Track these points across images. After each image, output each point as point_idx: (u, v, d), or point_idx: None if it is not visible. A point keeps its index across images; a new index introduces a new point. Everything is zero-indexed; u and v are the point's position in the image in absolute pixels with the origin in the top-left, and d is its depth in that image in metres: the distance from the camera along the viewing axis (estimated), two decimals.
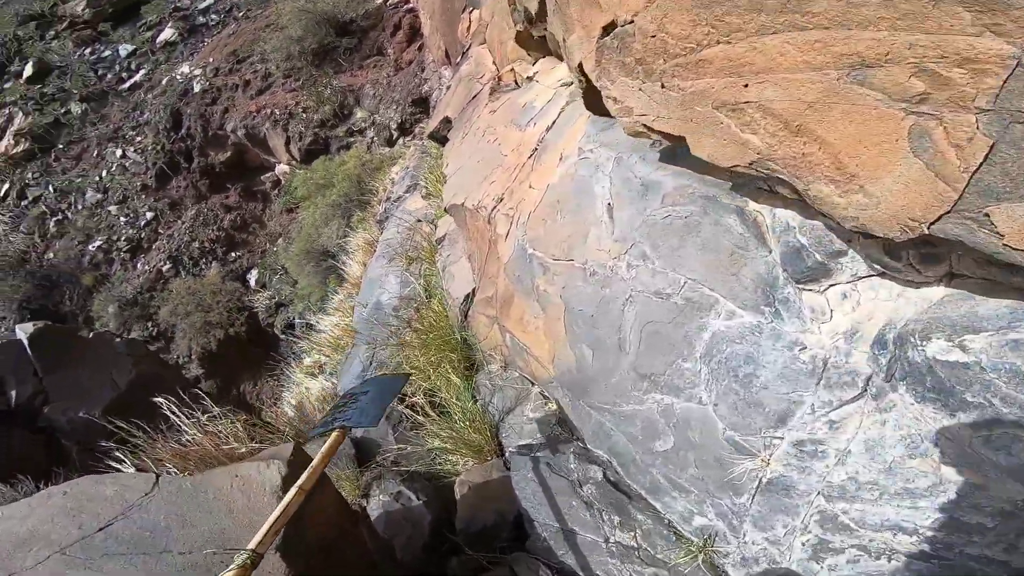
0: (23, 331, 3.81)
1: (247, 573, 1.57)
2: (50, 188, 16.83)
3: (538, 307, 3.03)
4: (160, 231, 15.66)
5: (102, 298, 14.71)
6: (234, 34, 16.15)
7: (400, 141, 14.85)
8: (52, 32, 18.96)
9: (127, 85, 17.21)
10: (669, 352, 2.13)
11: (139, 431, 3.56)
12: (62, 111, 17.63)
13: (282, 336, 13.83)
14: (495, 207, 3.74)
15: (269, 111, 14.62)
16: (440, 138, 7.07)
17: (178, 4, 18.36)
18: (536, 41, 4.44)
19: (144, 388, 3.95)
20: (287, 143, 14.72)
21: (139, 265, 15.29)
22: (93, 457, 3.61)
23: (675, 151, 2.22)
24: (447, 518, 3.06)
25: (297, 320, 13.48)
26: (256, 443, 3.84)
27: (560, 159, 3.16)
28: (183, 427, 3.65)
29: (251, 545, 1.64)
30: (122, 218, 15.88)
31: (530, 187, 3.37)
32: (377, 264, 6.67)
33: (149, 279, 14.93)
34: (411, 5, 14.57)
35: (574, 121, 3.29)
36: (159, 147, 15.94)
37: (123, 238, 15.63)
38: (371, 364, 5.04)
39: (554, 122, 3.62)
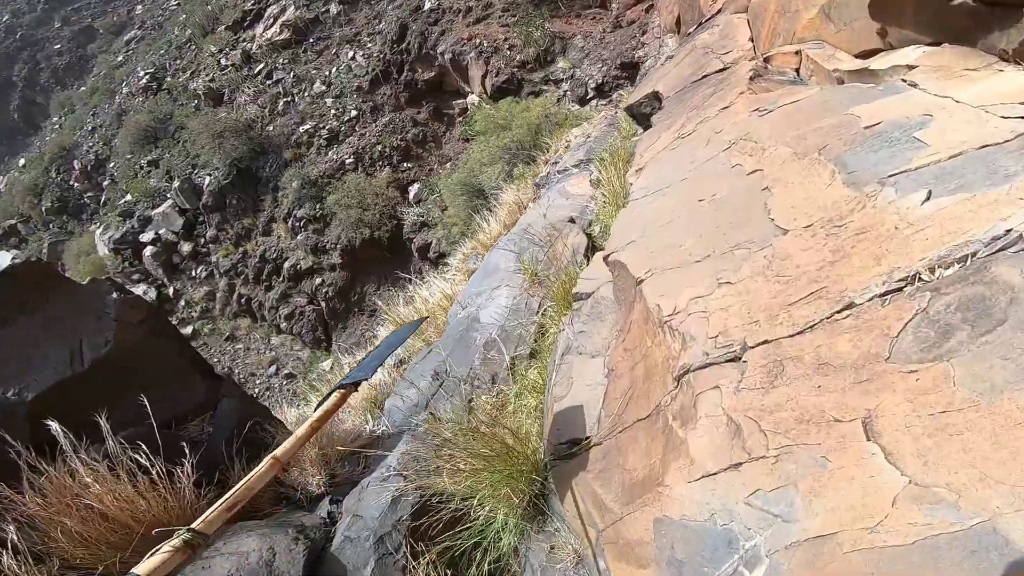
0: (2, 261, 2.21)
1: (186, 555, 1.27)
2: (291, 74, 17.71)
3: None
4: (356, 129, 15.63)
5: (291, 173, 15.14)
6: None
7: (593, 103, 12.85)
8: None
9: None
10: None
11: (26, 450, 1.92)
12: (323, 9, 18.29)
13: (415, 255, 12.93)
14: (712, 358, 1.66)
15: (478, 41, 13.42)
16: (639, 115, 5.30)
17: None
18: (941, 11, 2.21)
19: (119, 370, 2.59)
20: (484, 76, 13.47)
21: (330, 153, 15.45)
22: None
23: None
24: None
25: (433, 247, 12.42)
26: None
27: None
28: (78, 466, 1.97)
29: (195, 524, 1.35)
30: (332, 111, 16.14)
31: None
32: (503, 249, 4.76)
33: (332, 167, 15.00)
34: None
35: None
36: (382, 56, 15.69)
37: (327, 127, 15.88)
38: (439, 388, 3.51)
39: None
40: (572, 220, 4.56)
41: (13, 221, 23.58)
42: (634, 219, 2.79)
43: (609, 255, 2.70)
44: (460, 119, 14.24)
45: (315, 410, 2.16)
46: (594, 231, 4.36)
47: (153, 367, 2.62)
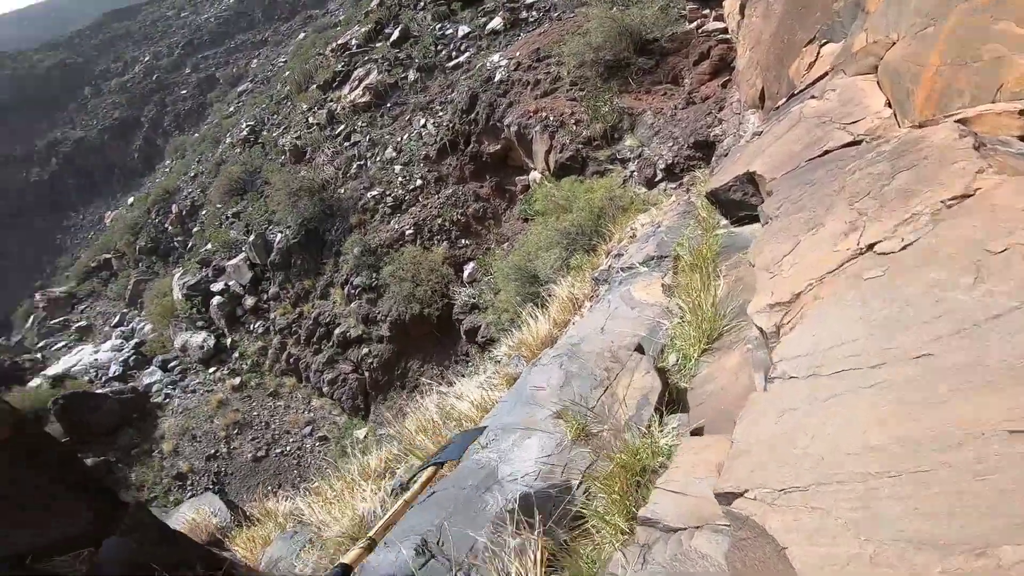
0: None
1: (366, 555, 1.79)
2: (368, 138, 17.93)
3: None
4: (420, 199, 15.33)
5: (354, 239, 14.99)
6: (543, 33, 14.71)
7: (661, 186, 11.74)
8: (422, 3, 20.18)
9: (452, 64, 17.29)
10: None
11: None
12: (402, 75, 18.58)
13: (463, 338, 12.14)
14: None
15: (544, 115, 12.77)
16: (728, 202, 4.28)
17: None
18: None
19: None
20: (548, 151, 12.74)
21: (392, 222, 15.21)
22: None
23: None
24: None
25: (481, 331, 11.59)
26: None
27: None
28: None
29: (370, 534, 1.87)
30: (400, 178, 16.01)
31: None
32: (546, 367, 3.58)
33: (392, 237, 14.69)
34: (728, 36, 11.04)
35: None
36: (452, 125, 15.49)
37: (392, 195, 15.73)
38: (423, 567, 2.53)
39: None
40: (640, 349, 3.33)
41: (108, 255, 25.50)
42: (793, 429, 1.47)
43: (734, 496, 1.44)
44: (521, 196, 13.54)
45: (402, 481, 2.69)
46: (668, 362, 3.25)
47: (9, 493, 2.05)
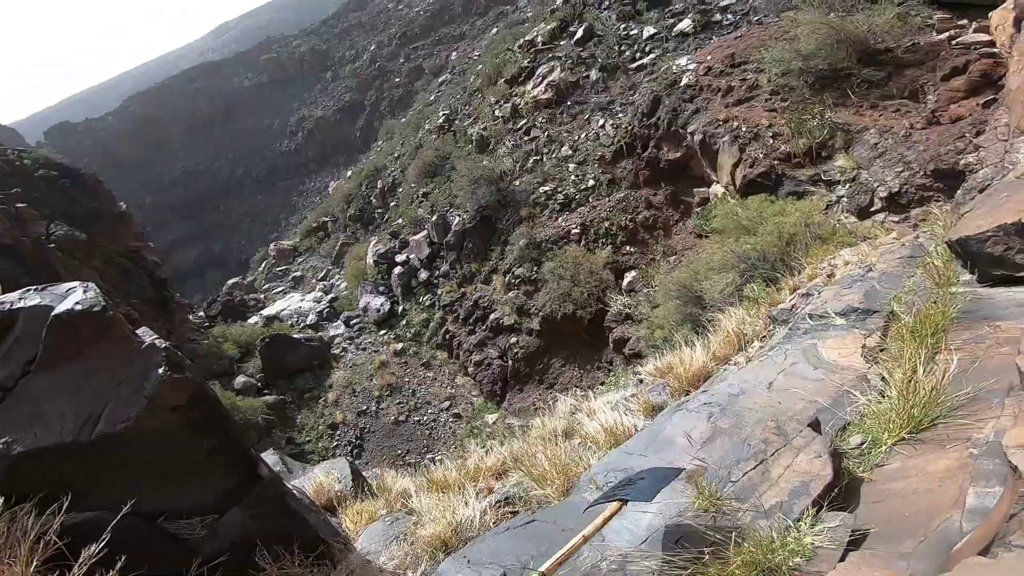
0: (66, 303, 2.09)
1: None
2: (546, 134, 18.30)
3: None
4: (590, 200, 15.25)
5: (521, 231, 15.49)
6: (740, 37, 13.34)
7: (879, 217, 9.99)
8: (606, 2, 19.80)
9: (635, 65, 16.74)
10: None
11: None
12: (584, 74, 18.53)
13: (610, 346, 11.82)
14: None
15: (735, 124, 11.65)
16: (982, 256, 3.40)
17: None
18: None
19: (126, 451, 2.24)
20: (736, 164, 11.63)
21: (559, 219, 15.37)
22: None
23: None
24: None
25: (630, 343, 11.17)
26: None
27: None
28: None
29: (542, 568, 1.90)
30: (572, 177, 16.08)
31: None
32: (690, 417, 3.18)
33: (558, 234, 14.87)
34: (995, 50, 8.86)
35: None
36: (630, 128, 15.05)
37: (563, 193, 15.88)
38: None
39: None
40: (815, 425, 2.73)
41: (326, 219, 30.09)
42: None
43: None
44: (698, 210, 12.60)
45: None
46: (849, 443, 2.67)
47: (167, 456, 2.25)
